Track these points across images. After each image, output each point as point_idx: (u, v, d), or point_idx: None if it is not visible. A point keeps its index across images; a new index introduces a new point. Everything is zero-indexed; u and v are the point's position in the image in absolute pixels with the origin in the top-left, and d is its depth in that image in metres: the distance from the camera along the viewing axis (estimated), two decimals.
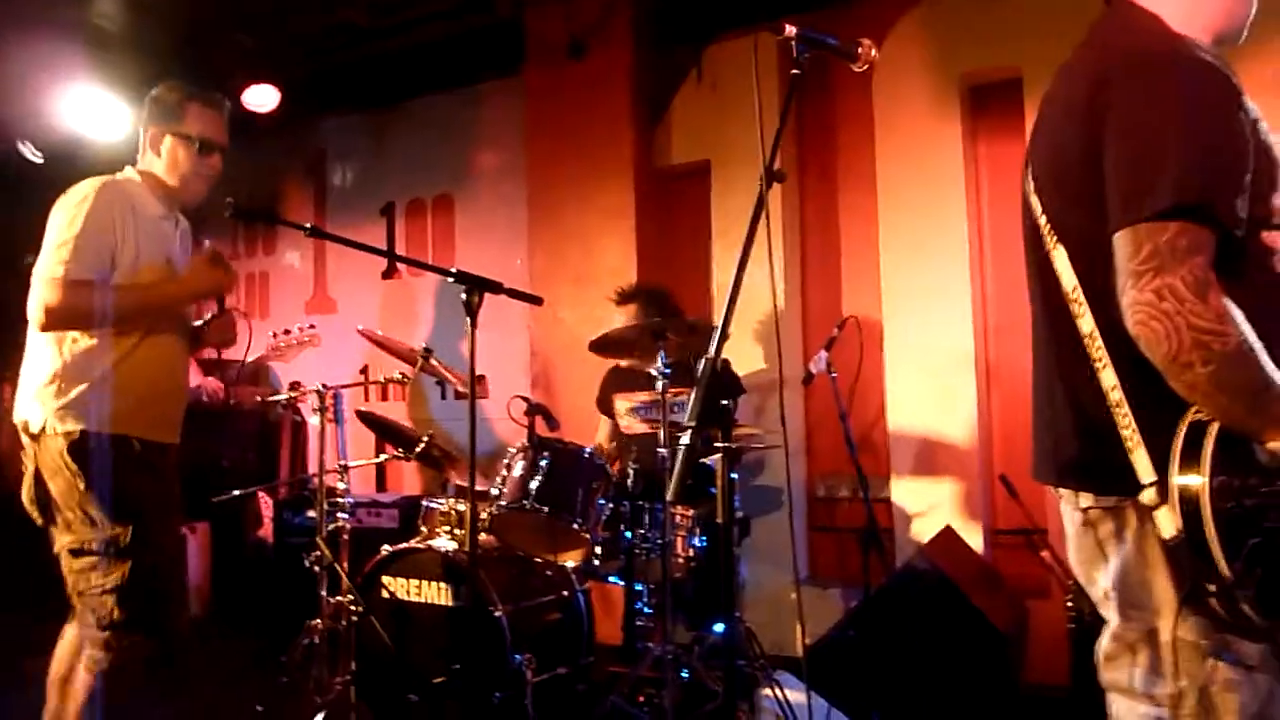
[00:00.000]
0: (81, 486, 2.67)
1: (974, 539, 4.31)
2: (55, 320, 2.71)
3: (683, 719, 3.35)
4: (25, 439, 2.78)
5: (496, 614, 3.49)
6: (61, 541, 2.77)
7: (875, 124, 4.80)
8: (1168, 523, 1.55)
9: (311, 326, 4.24)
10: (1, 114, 5.34)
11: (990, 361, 4.57)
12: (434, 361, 3.97)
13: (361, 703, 3.65)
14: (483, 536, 3.74)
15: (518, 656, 3.44)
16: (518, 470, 3.59)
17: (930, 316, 4.58)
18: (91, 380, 2.74)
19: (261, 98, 5.66)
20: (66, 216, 2.77)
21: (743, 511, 4.04)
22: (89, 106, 5.33)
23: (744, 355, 4.63)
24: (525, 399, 3.85)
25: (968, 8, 4.59)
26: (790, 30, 1.90)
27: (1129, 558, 1.68)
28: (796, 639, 3.32)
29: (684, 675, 3.49)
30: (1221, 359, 1.49)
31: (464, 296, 2.47)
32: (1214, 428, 1.53)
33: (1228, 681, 1.60)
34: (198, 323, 3.13)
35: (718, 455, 1.84)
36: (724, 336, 1.77)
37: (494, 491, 3.62)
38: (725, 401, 1.77)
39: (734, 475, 3.84)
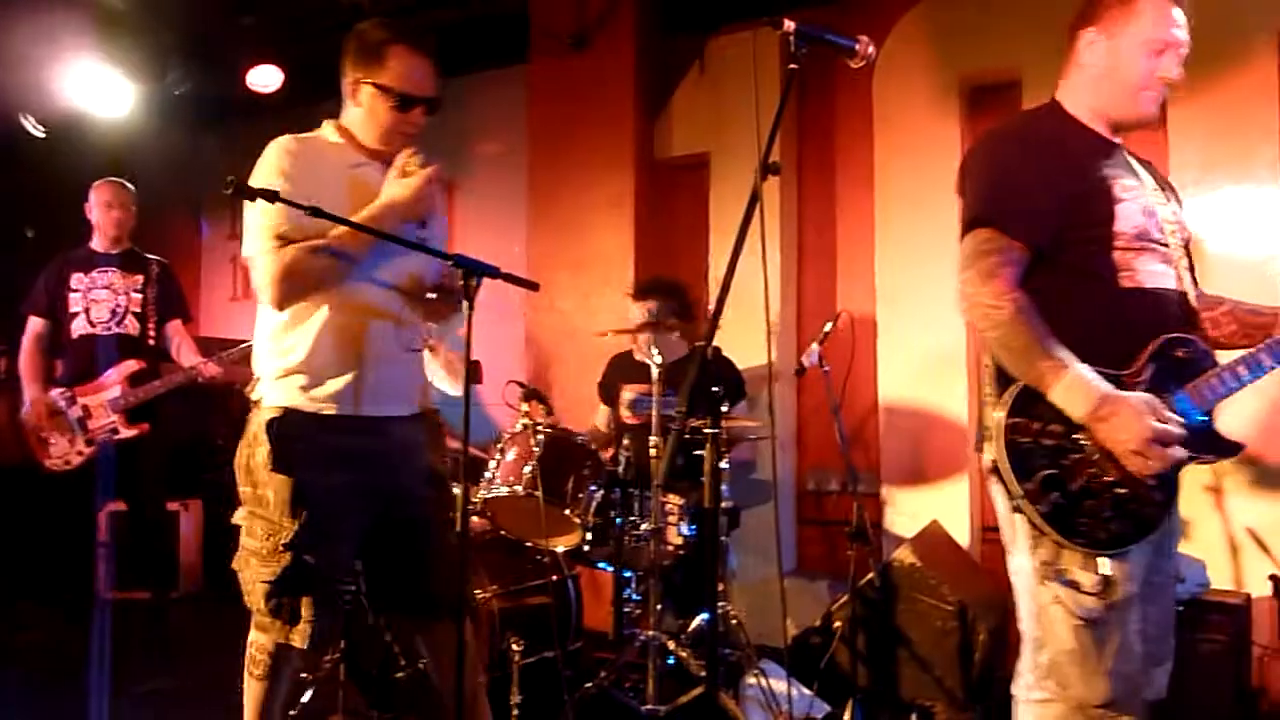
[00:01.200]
0: (270, 466, 2.50)
1: (961, 535, 4.35)
2: (285, 290, 2.46)
3: (667, 705, 3.39)
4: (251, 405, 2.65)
5: (485, 597, 3.52)
6: (239, 514, 2.62)
7: (874, 121, 4.83)
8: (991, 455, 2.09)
9: None
10: (5, 87, 5.35)
11: (982, 360, 4.60)
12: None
13: (350, 681, 3.68)
14: (475, 519, 3.77)
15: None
16: (511, 455, 3.62)
17: (924, 314, 4.61)
18: (299, 351, 2.53)
19: (265, 78, 5.69)
20: (259, 178, 2.50)
21: (732, 502, 4.06)
22: (92, 82, 5.35)
23: (741, 348, 4.65)
24: (520, 384, 3.87)
25: (968, 9, 4.62)
26: (789, 25, 1.94)
27: (1000, 501, 2.17)
28: (781, 629, 3.37)
29: (670, 662, 3.53)
30: (998, 326, 2.06)
31: (461, 281, 2.48)
32: (1020, 382, 2.07)
33: (1055, 597, 2.05)
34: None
35: (707, 442, 1.88)
36: (715, 326, 1.81)
37: (487, 475, 3.65)
38: (715, 389, 1.80)
39: (725, 465, 3.90)
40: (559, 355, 5.30)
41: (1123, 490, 2.01)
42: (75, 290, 4.45)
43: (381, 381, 2.62)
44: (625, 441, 3.89)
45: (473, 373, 2.72)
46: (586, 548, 3.63)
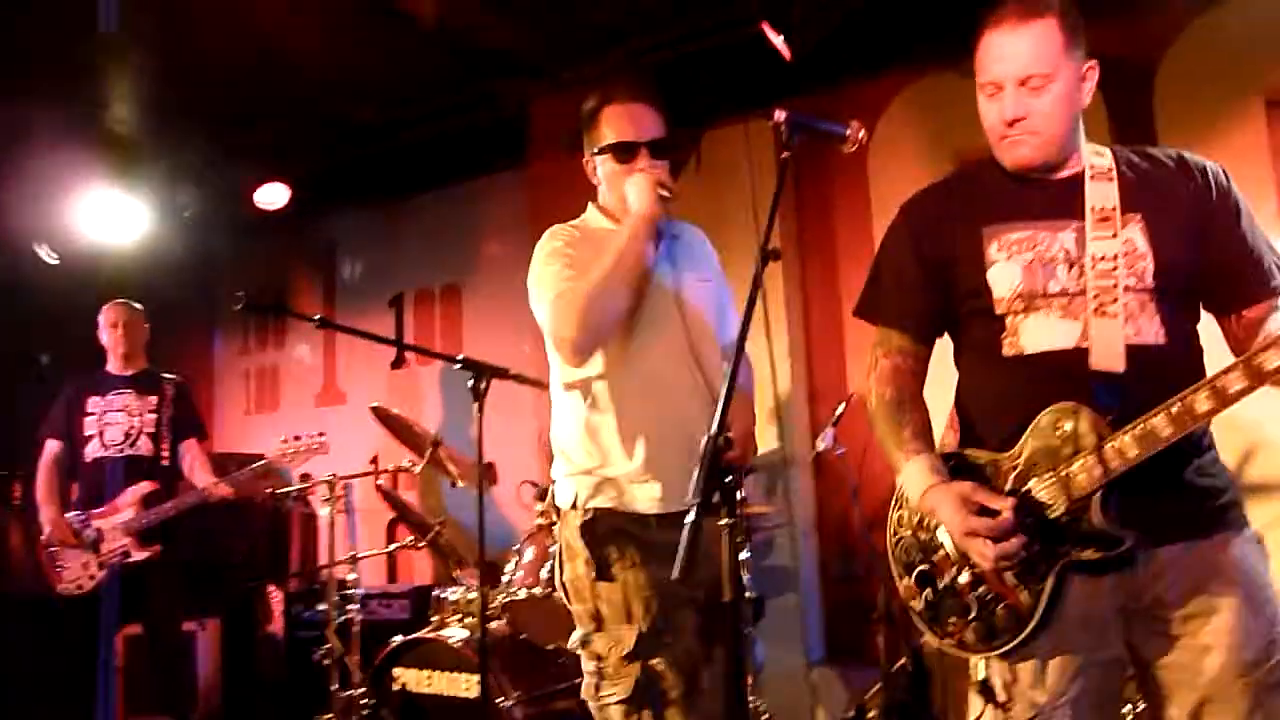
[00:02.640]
0: (592, 576, 2.39)
1: None
2: (582, 336, 2.34)
3: None
4: (555, 514, 2.57)
5: (508, 704, 3.45)
6: (574, 638, 2.49)
7: (871, 202, 4.89)
8: None
9: (321, 435, 4.28)
10: (19, 217, 5.47)
11: None
12: (441, 453, 3.98)
13: None
14: (495, 624, 3.71)
15: None
16: (528, 556, 3.58)
17: (933, 391, 4.58)
18: (602, 449, 2.43)
19: (272, 195, 5.81)
20: (537, 262, 2.49)
21: (755, 592, 3.99)
22: (105, 209, 5.46)
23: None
24: (534, 484, 3.85)
25: (958, 89, 4.69)
26: (780, 115, 1.96)
27: None
28: None
29: None
30: (870, 418, 2.11)
31: (471, 383, 2.49)
32: None
33: (980, 709, 1.91)
34: None
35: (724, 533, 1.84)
36: (725, 414, 1.79)
37: (505, 577, 3.60)
38: (729, 477, 1.78)
39: (745, 554, 3.84)
40: None
41: (982, 588, 1.85)
42: (90, 414, 4.49)
43: (680, 479, 2.52)
44: None
45: (486, 474, 2.71)
46: None
